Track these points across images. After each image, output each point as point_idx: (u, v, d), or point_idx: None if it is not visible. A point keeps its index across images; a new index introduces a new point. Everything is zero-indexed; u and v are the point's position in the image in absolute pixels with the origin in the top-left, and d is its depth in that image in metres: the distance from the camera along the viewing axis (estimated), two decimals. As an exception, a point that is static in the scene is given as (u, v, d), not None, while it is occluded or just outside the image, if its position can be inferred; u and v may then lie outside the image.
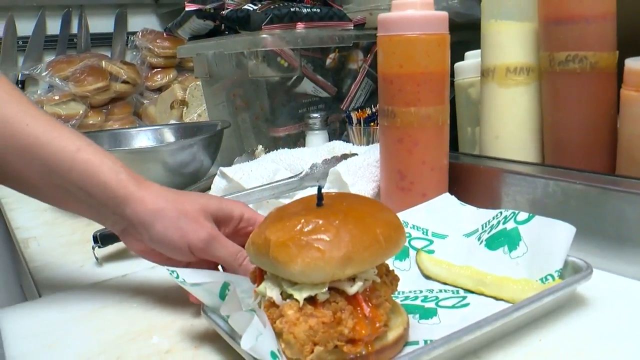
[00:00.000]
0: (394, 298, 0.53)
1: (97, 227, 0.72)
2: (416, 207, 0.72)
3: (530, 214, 0.63)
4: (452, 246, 0.68)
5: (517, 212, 0.65)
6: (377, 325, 0.47)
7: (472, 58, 0.94)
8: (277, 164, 0.94)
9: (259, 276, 0.52)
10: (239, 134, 1.23)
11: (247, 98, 1.17)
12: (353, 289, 0.47)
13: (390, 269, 0.53)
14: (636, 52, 0.72)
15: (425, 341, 0.49)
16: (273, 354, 0.44)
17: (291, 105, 1.13)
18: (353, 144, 1.00)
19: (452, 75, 0.97)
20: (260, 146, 1.10)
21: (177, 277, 0.53)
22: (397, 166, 0.77)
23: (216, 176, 0.95)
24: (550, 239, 0.60)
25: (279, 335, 0.46)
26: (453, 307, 0.58)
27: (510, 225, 0.64)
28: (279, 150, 0.99)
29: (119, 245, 0.80)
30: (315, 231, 0.46)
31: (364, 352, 0.46)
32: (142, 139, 1.22)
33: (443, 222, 0.70)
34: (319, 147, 0.98)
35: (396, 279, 0.52)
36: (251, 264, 0.51)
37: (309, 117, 1.08)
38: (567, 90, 0.78)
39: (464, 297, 0.60)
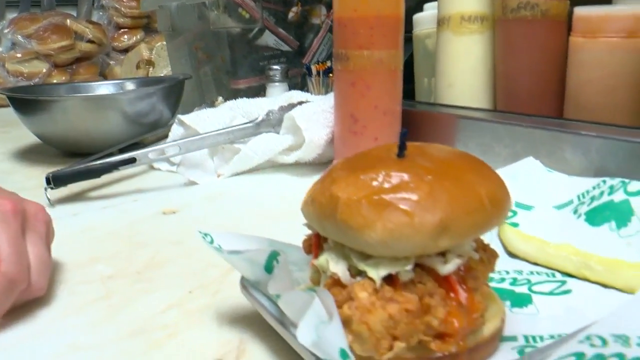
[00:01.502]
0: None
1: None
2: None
3: None
4: (541, 219, 0.57)
5: (627, 181, 0.53)
6: (474, 316, 0.35)
7: (430, 10, 0.94)
8: (234, 111, 0.94)
9: (315, 244, 0.40)
10: (201, 88, 1.22)
11: (209, 50, 1.16)
12: (447, 267, 0.35)
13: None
14: (587, 1, 0.73)
15: (526, 337, 0.39)
16: (343, 353, 0.31)
17: (252, 57, 1.12)
18: (312, 95, 1.01)
19: (411, 27, 0.97)
20: (220, 97, 1.10)
21: (212, 241, 0.43)
22: (350, 110, 0.78)
23: (174, 124, 0.94)
24: None
25: (346, 324, 0.34)
26: (551, 293, 0.47)
27: (619, 196, 0.53)
28: (237, 99, 0.99)
29: (72, 187, 0.80)
30: (401, 188, 0.34)
31: (454, 350, 0.35)
32: (103, 90, 1.20)
33: (528, 190, 0.60)
34: (277, 97, 0.98)
35: (494, 255, 0.40)
36: (308, 228, 0.40)
37: (269, 69, 1.08)
38: (519, 38, 0.79)
39: (563, 282, 0.48)
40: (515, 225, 0.57)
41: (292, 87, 1.13)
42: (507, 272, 0.50)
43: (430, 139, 0.82)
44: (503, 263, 0.52)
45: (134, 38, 2.00)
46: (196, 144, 0.83)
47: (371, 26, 0.74)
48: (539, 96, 0.79)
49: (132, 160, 0.80)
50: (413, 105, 0.89)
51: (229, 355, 0.40)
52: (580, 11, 0.72)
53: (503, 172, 0.61)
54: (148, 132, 1.03)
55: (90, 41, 1.85)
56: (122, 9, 1.96)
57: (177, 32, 1.26)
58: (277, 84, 1.08)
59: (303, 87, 1.14)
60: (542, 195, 0.60)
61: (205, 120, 0.91)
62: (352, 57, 0.75)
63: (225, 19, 1.07)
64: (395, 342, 0.33)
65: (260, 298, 0.41)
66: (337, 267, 0.36)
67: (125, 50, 1.98)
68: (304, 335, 0.31)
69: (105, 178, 0.84)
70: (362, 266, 0.35)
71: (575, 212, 0.56)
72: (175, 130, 0.94)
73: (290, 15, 1.15)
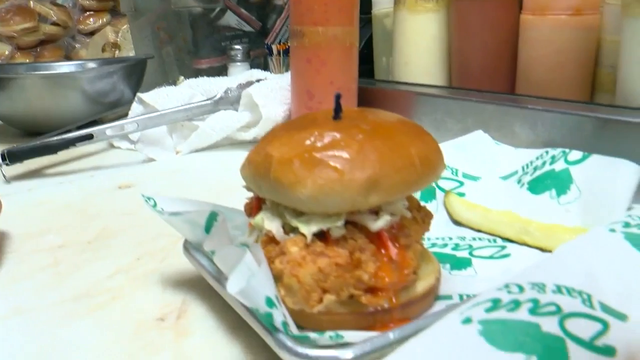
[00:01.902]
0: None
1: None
2: (444, 143, 0.62)
3: (585, 153, 0.54)
4: (486, 189, 0.58)
5: (568, 150, 0.55)
6: (406, 272, 0.36)
7: (389, -11, 0.95)
8: (193, 89, 0.94)
9: (255, 206, 0.40)
10: (164, 68, 1.22)
11: (171, 31, 1.16)
12: (377, 223, 0.36)
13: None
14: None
15: (461, 296, 0.40)
16: (269, 301, 0.32)
17: (214, 37, 1.12)
18: (271, 74, 1.01)
19: (370, 7, 0.98)
20: (182, 77, 1.10)
21: (155, 205, 0.43)
22: (305, 86, 0.79)
23: (134, 102, 0.94)
24: (609, 182, 0.50)
25: (278, 278, 0.35)
26: (491, 257, 0.48)
27: (559, 165, 0.55)
28: (198, 78, 0.99)
29: (29, 165, 0.80)
30: (332, 146, 0.35)
31: (386, 305, 0.36)
32: (63, 70, 1.19)
33: (475, 161, 0.62)
34: (237, 76, 0.99)
35: (429, 215, 0.41)
36: (247, 190, 0.40)
37: (231, 49, 1.08)
38: (472, 16, 0.81)
39: (503, 247, 0.49)
40: (461, 195, 0.58)
41: (255, 67, 1.13)
42: (451, 239, 0.52)
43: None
44: (448, 230, 0.54)
45: (100, 21, 1.98)
46: (154, 121, 0.84)
47: (325, 2, 0.75)
48: (492, 73, 0.81)
49: (89, 137, 0.80)
50: (372, 84, 0.91)
51: (170, 315, 0.41)
52: (529, -12, 0.74)
53: (452, 145, 0.64)
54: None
55: (54, 23, 1.83)
56: (88, -9, 1.94)
57: (140, 12, 1.26)
58: (238, 63, 1.09)
59: (266, 67, 1.15)
60: (489, 167, 0.62)
61: (164, 98, 0.92)
62: (307, 33, 0.76)
63: (186, -2, 1.08)
64: (325, 295, 0.34)
65: (200, 259, 0.42)
66: (272, 225, 0.37)
67: (91, 33, 1.96)
68: (233, 285, 0.31)
69: (63, 156, 0.84)
70: (294, 223, 0.36)
71: (519, 181, 0.58)
72: (135, 109, 0.94)
73: (253, -5, 1.15)
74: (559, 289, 0.31)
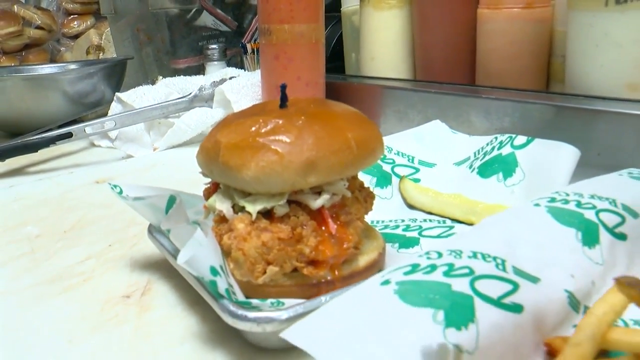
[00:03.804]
0: (372, 226, 0.46)
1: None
2: (403, 132, 0.68)
3: (530, 137, 0.58)
4: (441, 175, 0.62)
5: (514, 135, 0.59)
6: (345, 246, 0.39)
7: (356, -13, 0.99)
8: (170, 88, 0.97)
9: (212, 191, 0.43)
10: (144, 68, 1.25)
11: (150, 32, 1.19)
12: (317, 202, 0.39)
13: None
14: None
15: None
16: (213, 270, 0.35)
17: (191, 37, 1.16)
18: (245, 71, 1.05)
19: (340, 4, 1.01)
20: (160, 77, 1.13)
21: (120, 192, 0.46)
22: (274, 82, 0.82)
23: (113, 102, 0.98)
24: (550, 164, 0.54)
25: (227, 253, 0.39)
26: (438, 236, 0.51)
27: (506, 150, 0.58)
28: (175, 77, 1.02)
29: (11, 164, 0.83)
30: (274, 132, 0.38)
31: (329, 277, 0.39)
32: (45, 71, 1.22)
33: (431, 149, 0.66)
34: (213, 74, 1.02)
35: (371, 195, 0.44)
36: (203, 175, 0.43)
37: (207, 48, 1.12)
38: (433, 12, 0.84)
39: (451, 227, 0.52)
40: (417, 180, 0.62)
41: (232, 65, 1.16)
42: (403, 221, 0.55)
43: (357, 108, 0.87)
44: (401, 213, 0.58)
45: (84, 24, 2.01)
46: (131, 119, 0.87)
47: (291, 1, 0.78)
48: (453, 65, 0.84)
49: (68, 135, 0.83)
50: (343, 79, 0.94)
51: (135, 293, 0.45)
52: (485, -16, 0.78)
53: (410, 134, 0.67)
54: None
55: (39, 27, 1.86)
56: (71, -5, 1.96)
57: (120, 14, 1.29)
58: (215, 62, 1.12)
59: (242, 65, 1.18)
60: (444, 154, 0.66)
61: (142, 96, 0.95)
62: (275, 31, 0.80)
63: (163, 0, 1.10)
64: (268, 267, 0.37)
65: (162, 241, 0.45)
66: (223, 206, 0.40)
67: (76, 37, 1.99)
68: (182, 257, 0.34)
69: (44, 154, 0.87)
70: (242, 203, 0.39)
71: (470, 167, 0.62)
72: (114, 108, 0.97)
73: (229, -4, 1.19)
74: (474, 255, 0.34)
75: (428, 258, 0.34)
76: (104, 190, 0.72)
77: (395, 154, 0.64)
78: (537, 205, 0.42)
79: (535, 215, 0.41)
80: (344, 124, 0.41)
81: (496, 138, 0.61)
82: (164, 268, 0.48)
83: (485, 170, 0.59)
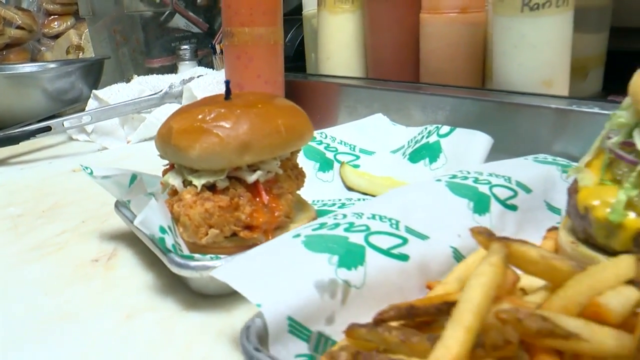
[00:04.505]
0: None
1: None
2: (347, 124, 0.77)
3: (452, 127, 0.66)
4: (378, 161, 0.70)
5: (440, 126, 0.67)
6: (277, 214, 0.47)
7: (315, -8, 1.07)
8: (143, 85, 1.05)
9: (168, 171, 0.51)
10: (121, 67, 1.33)
11: (125, 33, 1.27)
12: (252, 177, 0.47)
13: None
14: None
15: None
16: (162, 229, 0.43)
17: (165, 39, 1.23)
18: (214, 70, 1.12)
19: (301, 8, 1.09)
20: (135, 75, 1.20)
21: (91, 173, 0.53)
22: (237, 80, 0.89)
23: (90, 98, 1.05)
24: (467, 149, 0.63)
25: (177, 219, 0.46)
26: None
27: (432, 138, 0.67)
28: (148, 75, 1.10)
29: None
30: (216, 119, 0.46)
31: (263, 240, 0.46)
32: (25, 70, 1.29)
33: (372, 139, 0.74)
34: (183, 73, 1.10)
35: (302, 174, 0.53)
36: (160, 157, 0.51)
37: (179, 49, 1.19)
38: (381, 16, 0.92)
39: None
40: (356, 166, 0.70)
41: (203, 65, 1.24)
42: (340, 200, 0.63)
43: (314, 104, 0.95)
44: (340, 194, 0.66)
45: (65, 24, 2.06)
46: (106, 114, 0.94)
47: (251, 6, 0.86)
48: (400, 64, 0.93)
49: (47, 129, 0.91)
50: (304, 77, 1.02)
51: (103, 257, 0.53)
52: (426, -9, 0.86)
53: (354, 125, 0.76)
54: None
55: (20, 27, 1.91)
56: (51, -5, 2.02)
57: (97, 16, 1.36)
58: (187, 62, 1.20)
59: (212, 64, 1.25)
60: (383, 143, 0.74)
61: (116, 93, 1.02)
62: (236, 33, 0.87)
63: (137, 3, 1.18)
64: (210, 230, 0.46)
65: (126, 213, 0.53)
66: (175, 181, 0.48)
67: (56, 37, 2.04)
68: (138, 219, 0.43)
69: (25, 146, 0.94)
70: (190, 178, 0.47)
71: (403, 154, 0.70)
72: (91, 104, 1.05)
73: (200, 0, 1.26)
74: (373, 216, 0.43)
75: (335, 218, 0.43)
76: (80, 178, 0.80)
77: (338, 143, 0.72)
78: (439, 180, 0.50)
79: (434, 187, 0.49)
80: (276, 113, 0.49)
81: (426, 128, 0.70)
82: (128, 238, 0.56)
83: (415, 156, 0.68)
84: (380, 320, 0.32)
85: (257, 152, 0.47)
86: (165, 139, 0.48)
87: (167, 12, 1.21)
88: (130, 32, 1.25)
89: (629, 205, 0.41)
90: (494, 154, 0.64)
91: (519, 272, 0.34)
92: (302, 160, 0.65)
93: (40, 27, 2.05)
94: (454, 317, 0.27)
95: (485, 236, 0.35)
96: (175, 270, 0.42)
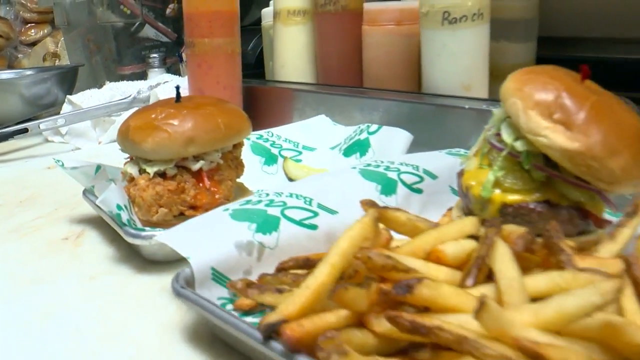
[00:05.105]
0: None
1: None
2: (292, 124, 0.87)
3: (379, 125, 0.76)
4: (318, 157, 0.80)
5: (370, 124, 0.77)
6: (217, 196, 0.57)
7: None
8: (113, 91, 1.14)
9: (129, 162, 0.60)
10: (94, 74, 1.41)
11: (98, 42, 1.36)
12: (196, 166, 0.57)
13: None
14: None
15: None
16: (119, 206, 0.54)
17: (135, 47, 1.32)
18: (179, 77, 1.22)
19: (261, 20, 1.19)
20: (108, 82, 1.29)
21: (62, 165, 0.61)
22: (198, 86, 0.99)
23: (64, 103, 1.14)
24: (391, 144, 0.72)
25: (133, 200, 0.56)
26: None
27: (363, 135, 0.76)
28: (119, 82, 1.19)
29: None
30: (166, 117, 0.56)
31: None
32: (2, 76, 1.37)
33: (314, 137, 0.83)
34: (151, 79, 1.19)
35: (242, 165, 0.63)
36: (122, 152, 0.61)
37: (149, 57, 1.28)
38: (329, 28, 1.02)
39: None
40: (298, 161, 0.80)
41: (172, 72, 1.33)
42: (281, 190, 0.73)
43: (271, 107, 1.05)
44: (282, 185, 0.76)
45: (41, 32, 2.13)
46: (79, 117, 1.03)
47: (210, 19, 0.96)
48: (346, 71, 1.03)
49: (24, 130, 1.00)
50: (263, 83, 1.12)
51: (72, 236, 0.62)
52: (366, 5, 0.96)
53: (298, 125, 0.86)
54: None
55: (-3, 35, 1.98)
56: (28, 4, 2.09)
57: (72, 26, 1.45)
58: (156, 69, 1.29)
59: (180, 72, 1.35)
60: (324, 141, 0.84)
61: (89, 98, 1.11)
62: (197, 43, 0.97)
63: (109, 14, 1.27)
64: (160, 209, 0.56)
65: (92, 198, 0.62)
66: (132, 170, 0.58)
67: (33, 44, 2.12)
68: (99, 199, 0.53)
69: (3, 147, 1.03)
70: (144, 167, 0.57)
71: (340, 150, 0.80)
72: (65, 108, 1.14)
73: (168, 11, 1.36)
74: (291, 195, 0.53)
75: (259, 196, 0.52)
76: (54, 174, 0.89)
77: (283, 140, 0.82)
78: (354, 168, 0.60)
79: (348, 173, 0.59)
80: (218, 113, 0.59)
81: (359, 127, 0.80)
82: (95, 222, 0.65)
83: (348, 151, 0.78)
84: (282, 269, 0.42)
85: (200, 145, 0.57)
86: (124, 135, 0.58)
87: (138, 22, 1.31)
88: (103, 41, 1.34)
89: (496, 184, 0.51)
90: (421, 148, 0.73)
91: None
92: (249, 155, 0.75)
93: (18, 34, 2.11)
94: (324, 258, 0.37)
95: (368, 204, 0.45)
96: (129, 239, 0.52)
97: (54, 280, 0.53)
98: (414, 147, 0.74)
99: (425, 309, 0.33)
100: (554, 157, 0.48)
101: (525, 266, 0.38)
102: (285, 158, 0.79)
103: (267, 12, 1.18)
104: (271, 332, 0.33)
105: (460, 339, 0.30)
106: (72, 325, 0.45)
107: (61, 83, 1.26)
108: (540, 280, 0.35)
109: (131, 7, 1.29)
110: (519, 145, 0.50)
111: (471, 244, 0.40)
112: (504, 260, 0.35)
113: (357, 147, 0.77)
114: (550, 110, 0.48)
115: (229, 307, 0.43)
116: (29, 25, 2.16)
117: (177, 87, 0.61)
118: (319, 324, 0.32)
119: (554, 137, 0.47)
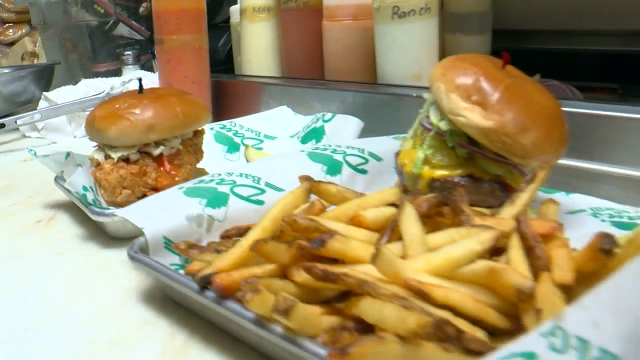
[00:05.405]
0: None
1: None
2: (255, 114, 0.93)
3: (334, 114, 0.83)
4: (279, 144, 0.86)
5: (325, 113, 0.84)
6: (177, 179, 0.63)
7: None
8: (88, 87, 1.19)
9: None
10: (71, 72, 1.46)
11: (74, 40, 1.40)
12: (157, 151, 0.63)
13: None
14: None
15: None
16: (85, 187, 0.60)
17: (110, 45, 1.37)
18: (151, 73, 1.27)
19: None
20: (83, 79, 1.34)
21: (35, 153, 0.66)
22: (167, 80, 1.04)
23: (41, 100, 1.18)
24: (344, 130, 0.79)
25: (98, 183, 0.61)
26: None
27: (319, 123, 0.83)
28: (94, 79, 1.24)
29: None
30: (129, 107, 0.62)
31: None
32: (-19, 76, 1.41)
33: (275, 127, 0.90)
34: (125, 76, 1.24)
35: (201, 151, 0.69)
36: (90, 140, 0.67)
37: (123, 54, 1.33)
38: (292, 24, 1.07)
39: None
40: (259, 149, 0.86)
41: (146, 69, 1.38)
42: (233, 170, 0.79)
43: (239, 100, 1.10)
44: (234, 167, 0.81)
45: (20, 32, 2.17)
46: (54, 112, 1.08)
47: (177, 17, 1.01)
48: (309, 64, 1.08)
49: (1, 126, 1.04)
50: (233, 77, 1.18)
51: (44, 219, 0.67)
52: (326, 2, 1.02)
53: (260, 116, 0.91)
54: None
55: (-26, 35, 2.02)
56: (6, 4, 2.12)
57: (48, 25, 1.49)
58: (130, 66, 1.34)
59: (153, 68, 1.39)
60: (284, 130, 0.90)
61: (64, 95, 1.16)
62: (166, 40, 1.02)
63: (83, 13, 1.32)
64: (124, 191, 0.61)
65: (63, 184, 0.67)
66: (99, 155, 0.64)
67: (11, 44, 2.15)
68: (67, 182, 0.58)
69: (-18, 143, 1.07)
70: (109, 152, 0.63)
71: (298, 138, 0.86)
72: (42, 104, 1.18)
73: (141, 9, 1.41)
74: (241, 175, 0.58)
75: (211, 177, 0.58)
76: (30, 166, 0.94)
77: (246, 130, 0.88)
78: (302, 151, 0.66)
79: (296, 156, 0.65)
80: (177, 103, 0.65)
81: (316, 116, 0.86)
82: (66, 206, 0.70)
83: (305, 139, 0.84)
84: (225, 236, 0.48)
85: (160, 132, 0.62)
86: (91, 124, 0.64)
87: (112, 21, 1.35)
88: (78, 39, 1.39)
89: (425, 161, 0.57)
90: (375, 134, 0.78)
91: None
92: (213, 144, 0.81)
93: (-5, 34, 2.14)
94: (258, 223, 0.43)
95: (304, 178, 0.51)
96: (93, 217, 0.57)
97: (27, 256, 0.58)
98: (368, 134, 0.80)
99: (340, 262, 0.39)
100: (472, 134, 0.54)
101: (437, 228, 0.44)
102: (246, 146, 0.84)
103: (234, 10, 1.23)
104: (205, 283, 0.38)
105: (361, 282, 0.35)
106: (42, 291, 0.50)
107: (38, 80, 1.30)
108: (440, 236, 0.41)
109: (105, 6, 1.34)
110: (443, 125, 0.56)
111: (391, 211, 0.46)
112: (409, 220, 0.41)
113: (314, 135, 0.83)
114: (468, 93, 0.54)
115: (181, 272, 0.48)
116: (7, 25, 2.19)
117: (140, 79, 0.66)
118: (246, 275, 0.38)
119: (471, 117, 0.53)
